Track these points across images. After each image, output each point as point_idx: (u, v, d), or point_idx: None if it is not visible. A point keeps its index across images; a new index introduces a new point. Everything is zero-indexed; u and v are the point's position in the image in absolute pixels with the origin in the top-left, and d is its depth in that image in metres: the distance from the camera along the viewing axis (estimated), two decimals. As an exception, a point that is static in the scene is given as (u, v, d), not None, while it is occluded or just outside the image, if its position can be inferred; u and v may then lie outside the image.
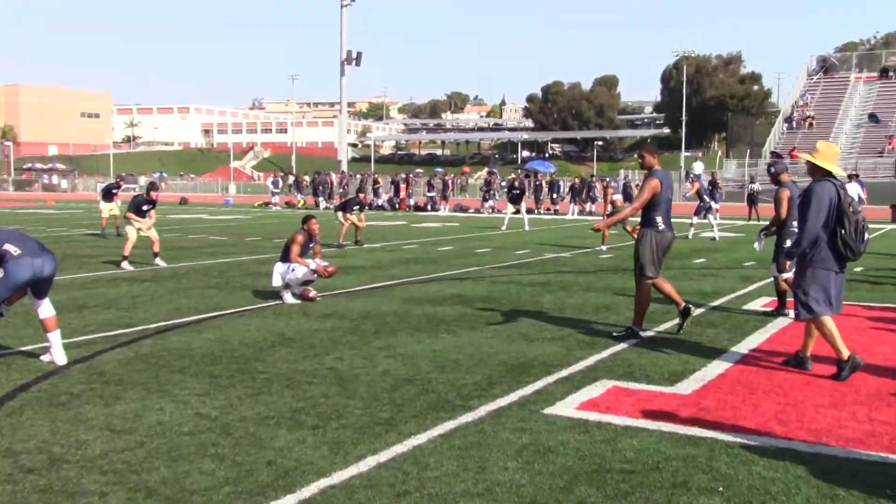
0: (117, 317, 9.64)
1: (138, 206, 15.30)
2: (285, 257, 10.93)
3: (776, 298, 10.24)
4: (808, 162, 7.03)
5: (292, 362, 7.29)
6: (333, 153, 78.93)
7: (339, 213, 20.05)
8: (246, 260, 16.30)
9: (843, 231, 6.76)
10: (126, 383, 6.54)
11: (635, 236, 8.87)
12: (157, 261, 15.17)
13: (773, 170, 10.10)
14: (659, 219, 8.36)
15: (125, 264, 14.69)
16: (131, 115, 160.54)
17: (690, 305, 8.86)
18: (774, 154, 51.48)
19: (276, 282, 10.91)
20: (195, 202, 51.28)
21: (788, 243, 9.24)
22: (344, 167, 54.97)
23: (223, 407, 5.88)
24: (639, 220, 8.68)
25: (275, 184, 47.87)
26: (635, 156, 9.85)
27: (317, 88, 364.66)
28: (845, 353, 6.78)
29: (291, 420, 5.56)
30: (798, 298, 6.89)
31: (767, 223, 10.34)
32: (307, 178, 51.89)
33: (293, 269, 10.81)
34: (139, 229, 15.20)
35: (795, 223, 8.96)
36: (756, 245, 10.21)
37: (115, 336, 8.48)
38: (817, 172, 6.95)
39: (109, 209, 22.41)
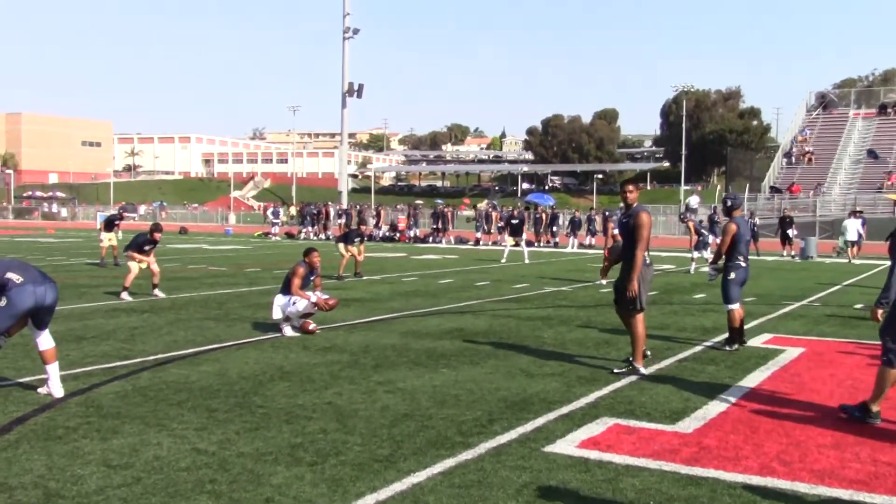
0: (115, 348, 9.60)
1: (140, 246, 15.21)
2: (286, 289, 10.91)
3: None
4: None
5: (291, 396, 7.24)
6: (334, 184, 79.09)
7: (341, 245, 20.04)
8: (245, 291, 16.27)
9: None
10: (123, 417, 6.49)
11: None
12: (156, 292, 15.14)
13: (729, 203, 10.41)
14: (740, 257, 8.94)
15: (125, 295, 14.65)
16: (132, 144, 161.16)
17: (641, 367, 8.52)
18: (773, 189, 51.67)
19: (276, 314, 10.88)
20: (195, 231, 51.30)
21: (732, 275, 9.88)
22: (344, 198, 54.97)
23: (221, 442, 5.83)
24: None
25: (275, 214, 47.93)
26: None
27: (318, 119, 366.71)
28: None
29: (290, 456, 5.51)
30: (886, 346, 6.73)
31: (713, 256, 10.64)
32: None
33: (294, 303, 10.78)
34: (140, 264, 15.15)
35: (741, 256, 9.85)
36: (709, 279, 10.74)
37: (113, 368, 8.43)
38: None
39: (109, 239, 22.40)
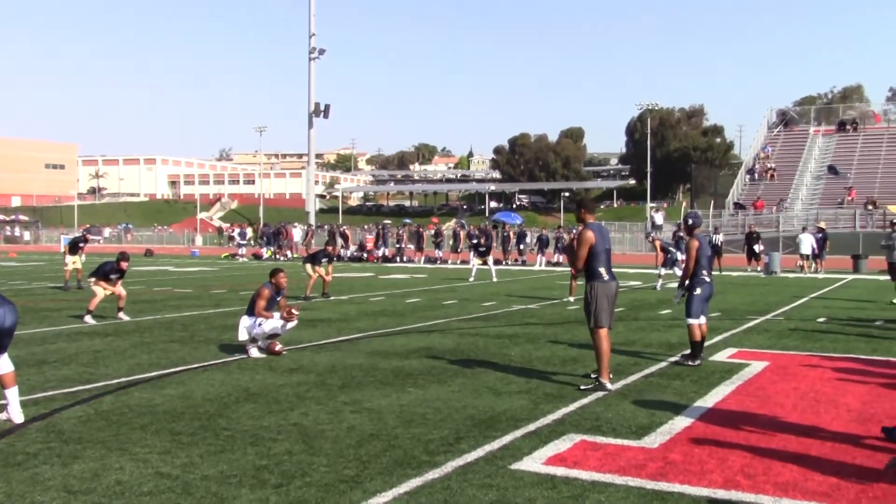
0: (78, 372, 9.47)
1: (106, 274, 14.97)
2: (251, 311, 10.83)
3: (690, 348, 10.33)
4: None
5: (256, 418, 7.18)
6: (302, 204, 78.90)
7: (308, 266, 19.94)
8: (211, 313, 16.13)
9: None
10: (85, 441, 6.39)
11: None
12: (121, 315, 14.96)
13: (690, 221, 10.61)
14: (602, 269, 8.60)
15: (88, 318, 14.47)
16: (97, 167, 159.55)
17: (608, 383, 8.56)
18: (737, 205, 52.29)
19: (242, 335, 10.80)
20: (161, 254, 50.84)
21: (698, 291, 10.06)
22: (312, 218, 54.82)
23: (185, 465, 5.76)
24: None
25: (241, 235, 47.62)
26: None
27: (285, 140, 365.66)
28: None
29: (254, 478, 5.46)
30: None
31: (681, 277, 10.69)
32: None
33: (259, 324, 10.71)
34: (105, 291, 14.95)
35: (704, 272, 10.06)
36: (675, 299, 10.98)
37: (75, 392, 8.31)
38: None
39: (73, 262, 22.12)
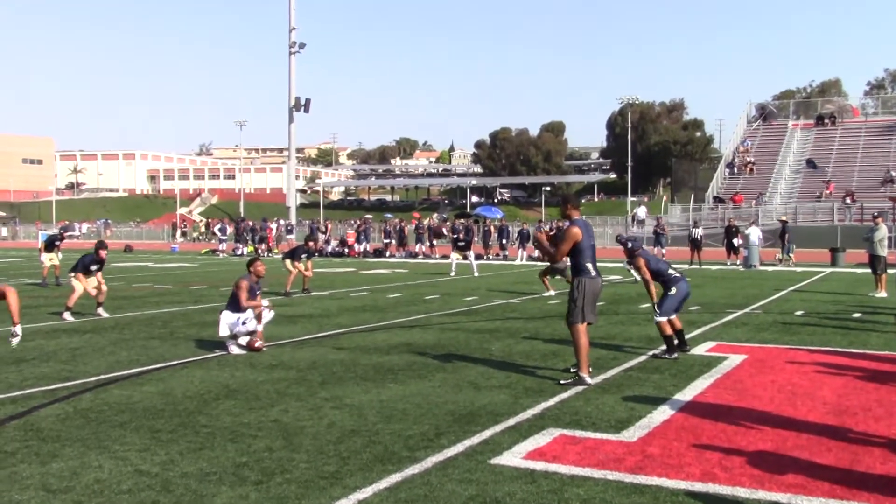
0: (56, 370, 9.41)
1: (86, 266, 14.96)
2: (233, 306, 10.78)
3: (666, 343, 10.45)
4: None
5: (236, 415, 7.17)
6: (282, 199, 78.67)
7: (287, 261, 19.87)
8: (191, 309, 16.06)
9: None
10: (64, 440, 6.36)
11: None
12: (100, 311, 14.88)
13: (630, 245, 11.09)
14: (588, 265, 8.74)
15: (67, 315, 14.39)
16: (75, 162, 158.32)
17: (587, 377, 8.62)
18: (717, 199, 52.56)
19: (223, 332, 10.74)
20: (140, 249, 50.53)
21: (673, 290, 10.30)
22: (293, 213, 54.64)
23: (164, 463, 5.75)
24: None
25: (222, 230, 47.38)
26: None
27: (265, 134, 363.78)
28: None
29: (234, 475, 5.46)
30: None
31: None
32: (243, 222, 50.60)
33: (243, 322, 10.66)
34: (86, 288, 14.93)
35: (671, 271, 10.48)
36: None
37: (54, 390, 8.26)
38: None
39: (50, 259, 22.03)
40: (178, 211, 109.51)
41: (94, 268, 15.04)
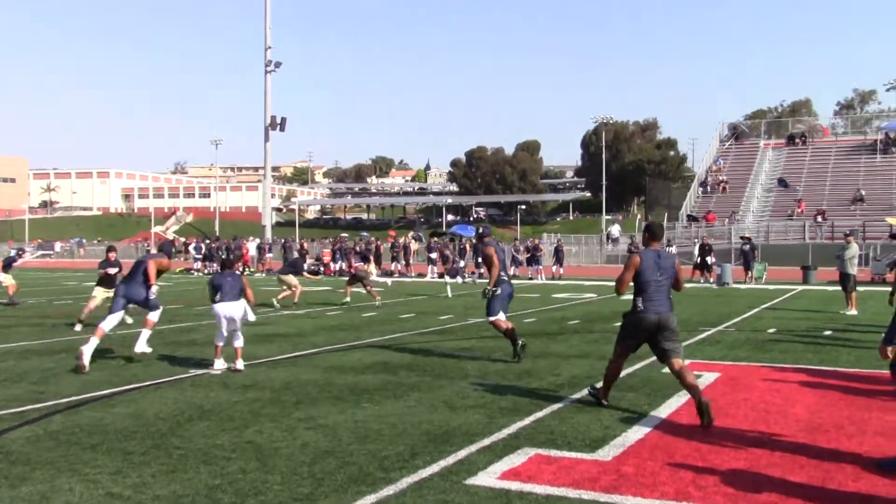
0: (27, 391, 9.29)
1: (105, 273, 16.18)
2: (233, 294, 10.82)
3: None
4: None
5: (210, 436, 7.11)
6: (258, 217, 78.34)
7: (290, 276, 20.43)
8: (165, 329, 15.91)
9: None
10: (34, 462, 6.28)
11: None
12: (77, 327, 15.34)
13: (481, 230, 12.74)
14: (503, 273, 11.57)
15: (78, 326, 15.40)
16: (49, 180, 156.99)
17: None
18: (690, 218, 52.98)
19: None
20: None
21: (498, 291, 11.60)
22: (268, 232, 54.46)
23: (136, 486, 5.69)
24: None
25: (197, 249, 47.06)
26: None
27: (241, 153, 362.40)
28: None
29: (207, 498, 5.41)
30: None
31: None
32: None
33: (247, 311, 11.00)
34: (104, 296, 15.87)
35: (503, 273, 11.75)
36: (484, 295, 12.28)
37: (24, 412, 8.16)
38: None
39: (5, 279, 22.23)
40: (152, 229, 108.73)
41: (112, 271, 16.12)
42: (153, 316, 11.95)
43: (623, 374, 10.40)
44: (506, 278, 11.75)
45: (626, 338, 8.29)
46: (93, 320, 14.75)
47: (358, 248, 33.87)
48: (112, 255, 16.30)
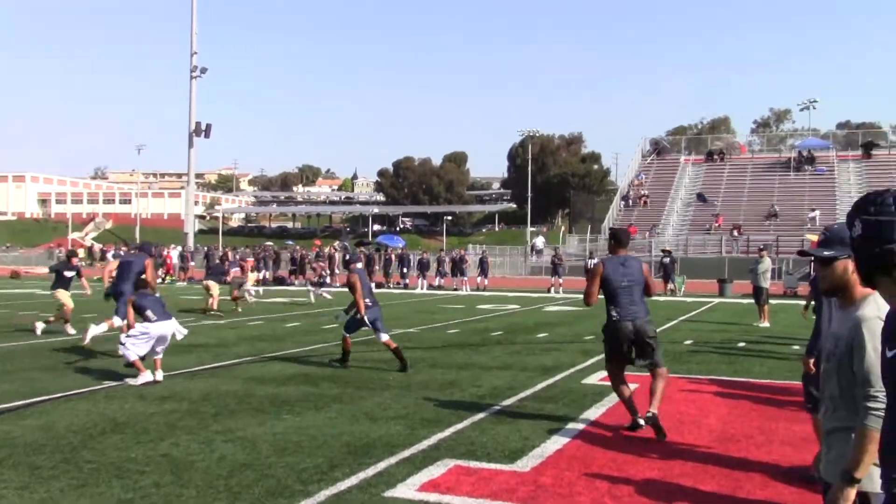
0: (-70, 404, 8.94)
1: (60, 274, 16.66)
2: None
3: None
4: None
5: (123, 450, 6.94)
6: (180, 225, 76.98)
7: (211, 283, 20.66)
8: (80, 339, 15.47)
9: None
10: (-65, 478, 6.04)
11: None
12: (68, 327, 16.39)
13: (347, 257, 13.16)
14: (368, 300, 11.89)
15: (69, 327, 16.10)
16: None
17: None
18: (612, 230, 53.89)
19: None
20: (29, 276, 48.49)
21: (356, 313, 11.94)
22: (191, 240, 53.53)
23: (43, 501, 5.53)
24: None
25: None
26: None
27: (164, 159, 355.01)
28: None
29: (119, 513, 5.28)
30: (813, 394, 6.67)
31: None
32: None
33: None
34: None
35: (368, 300, 12.00)
36: (338, 319, 13.18)
37: (-74, 425, 7.84)
38: None
39: None
40: (69, 236, 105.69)
41: (69, 274, 16.60)
42: (117, 320, 12.29)
43: (543, 384, 10.55)
44: (370, 304, 12.02)
45: (611, 354, 8.15)
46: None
47: (231, 258, 33.81)
48: (74, 261, 16.98)
